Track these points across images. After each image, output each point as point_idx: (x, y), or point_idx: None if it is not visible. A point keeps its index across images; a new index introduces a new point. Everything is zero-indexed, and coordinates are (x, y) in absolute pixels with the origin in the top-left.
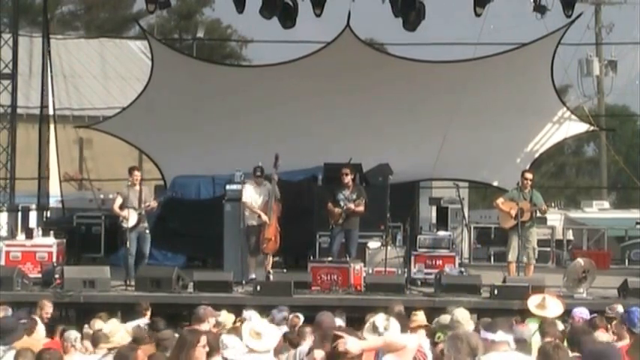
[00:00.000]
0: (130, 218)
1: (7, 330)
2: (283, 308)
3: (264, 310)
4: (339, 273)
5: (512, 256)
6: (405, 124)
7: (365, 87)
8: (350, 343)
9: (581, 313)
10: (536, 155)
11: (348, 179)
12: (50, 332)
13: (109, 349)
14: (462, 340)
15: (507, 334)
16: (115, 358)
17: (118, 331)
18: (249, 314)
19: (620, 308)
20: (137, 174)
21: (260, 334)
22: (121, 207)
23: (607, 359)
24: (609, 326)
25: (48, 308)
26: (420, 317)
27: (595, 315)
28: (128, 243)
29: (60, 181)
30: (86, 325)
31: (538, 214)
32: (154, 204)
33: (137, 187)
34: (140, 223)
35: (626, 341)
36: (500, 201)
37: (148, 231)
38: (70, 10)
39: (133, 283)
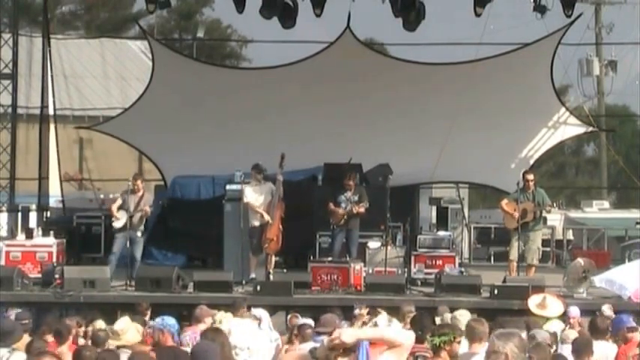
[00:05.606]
0: (120, 219)
1: (6, 331)
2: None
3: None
4: (339, 273)
5: (512, 254)
6: (404, 126)
7: (365, 89)
8: (344, 335)
9: (575, 312)
10: (537, 156)
11: (351, 183)
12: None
13: (118, 347)
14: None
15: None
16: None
17: (129, 329)
18: (259, 312)
19: (608, 311)
20: (138, 183)
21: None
22: (119, 208)
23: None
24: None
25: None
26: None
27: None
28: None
29: (60, 181)
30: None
31: (543, 214)
32: (147, 209)
33: (139, 194)
34: (130, 227)
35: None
36: (504, 202)
37: (139, 234)
38: (70, 10)
39: (133, 283)
